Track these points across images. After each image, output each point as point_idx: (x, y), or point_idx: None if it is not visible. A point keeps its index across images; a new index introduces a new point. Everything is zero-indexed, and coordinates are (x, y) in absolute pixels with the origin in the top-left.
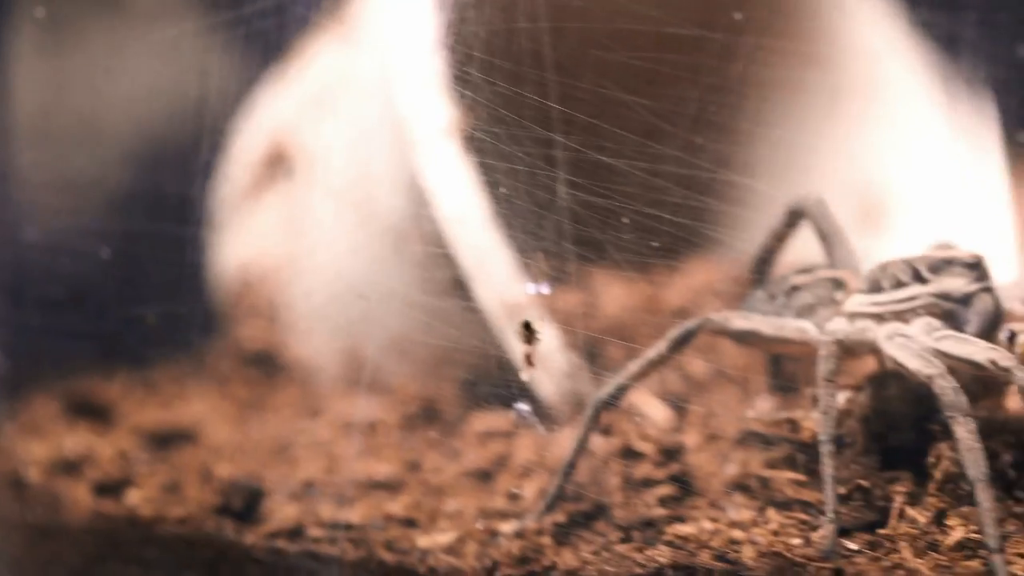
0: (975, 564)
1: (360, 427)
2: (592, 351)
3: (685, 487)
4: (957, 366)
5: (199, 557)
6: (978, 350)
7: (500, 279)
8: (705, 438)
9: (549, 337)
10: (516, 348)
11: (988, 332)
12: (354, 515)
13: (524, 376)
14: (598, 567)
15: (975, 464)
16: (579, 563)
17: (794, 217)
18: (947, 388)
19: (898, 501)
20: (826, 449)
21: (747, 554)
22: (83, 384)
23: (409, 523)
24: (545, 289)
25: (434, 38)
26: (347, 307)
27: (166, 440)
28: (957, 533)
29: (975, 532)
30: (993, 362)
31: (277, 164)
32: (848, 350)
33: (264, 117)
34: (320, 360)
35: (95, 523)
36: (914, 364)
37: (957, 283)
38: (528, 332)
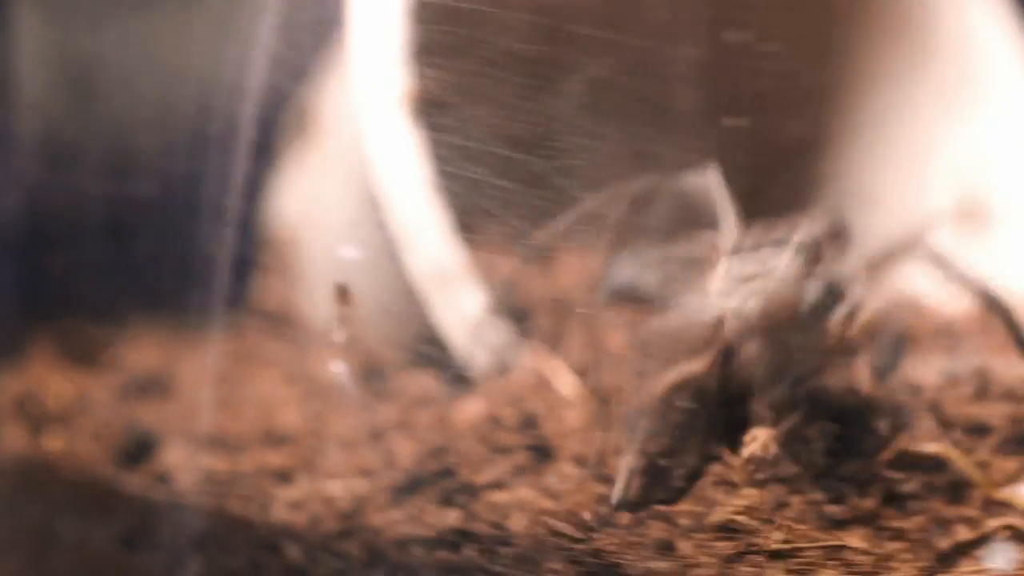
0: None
1: (304, 382)
2: (525, 319)
3: (540, 455)
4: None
5: (86, 497)
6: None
7: (430, 248)
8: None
9: (479, 304)
10: (329, 309)
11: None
12: (229, 465)
13: (336, 338)
14: (400, 528)
15: None
16: (385, 523)
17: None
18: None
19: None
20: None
21: (517, 523)
22: (86, 326)
23: (282, 477)
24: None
25: (404, 9)
26: (338, 269)
27: (142, 389)
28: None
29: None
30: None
31: (306, 127)
32: None
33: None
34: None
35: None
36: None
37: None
38: (342, 294)
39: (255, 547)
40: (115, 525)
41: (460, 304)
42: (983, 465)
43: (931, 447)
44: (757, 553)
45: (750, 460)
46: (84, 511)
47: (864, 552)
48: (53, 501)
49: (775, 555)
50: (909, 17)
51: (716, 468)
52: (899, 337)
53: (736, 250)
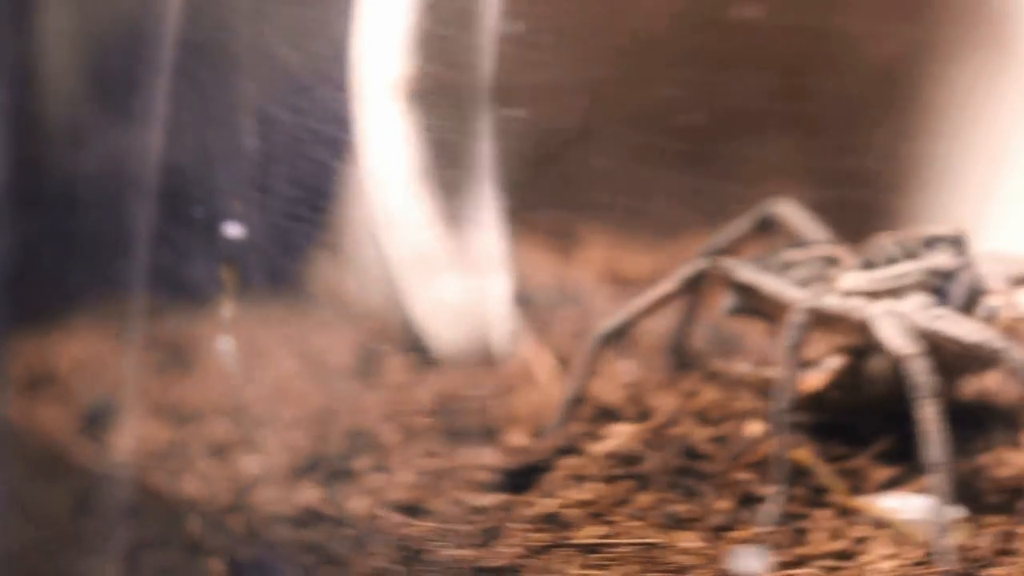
0: None
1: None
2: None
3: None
4: (947, 344)
5: (46, 465)
6: (972, 330)
7: (409, 232)
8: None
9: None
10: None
11: (969, 307)
12: (171, 436)
13: (225, 312)
14: (267, 506)
15: (933, 448)
16: (265, 501)
17: (765, 224)
18: (919, 370)
19: None
20: (778, 420)
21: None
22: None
23: (217, 451)
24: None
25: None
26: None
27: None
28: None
29: None
30: (986, 342)
31: None
32: (828, 323)
33: None
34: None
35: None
36: (897, 342)
37: (943, 258)
38: (229, 269)
39: (166, 518)
40: (68, 492)
41: (439, 290)
42: (855, 473)
43: (798, 454)
44: (568, 547)
45: (610, 455)
46: (44, 477)
47: (695, 553)
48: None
49: (587, 549)
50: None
51: (572, 461)
52: None
53: (866, 263)
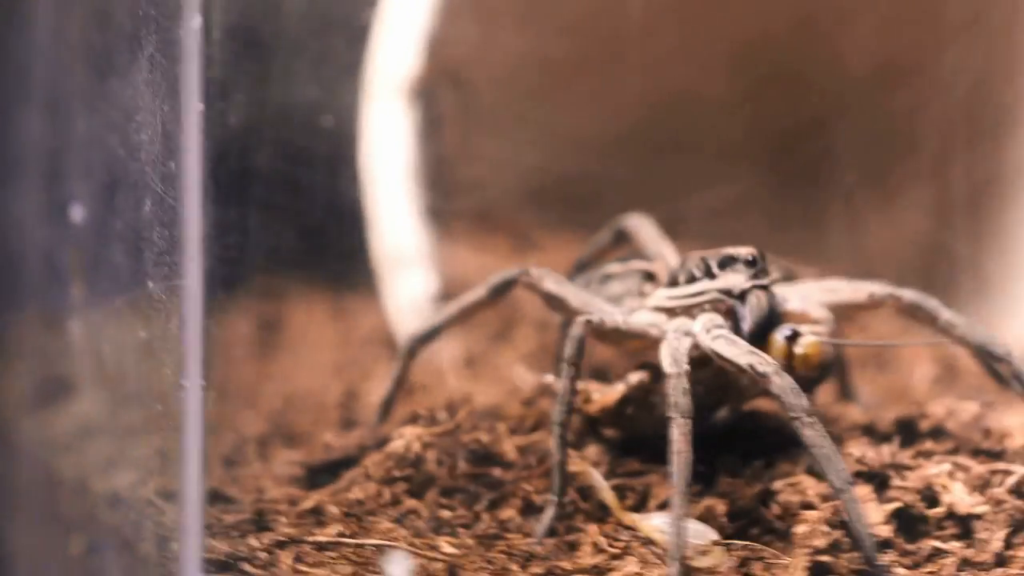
0: None
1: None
2: None
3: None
4: (724, 365)
5: None
6: (740, 352)
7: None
8: None
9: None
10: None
11: (764, 329)
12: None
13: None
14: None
15: (833, 469)
16: None
17: (618, 236)
18: (786, 387)
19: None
20: (556, 432)
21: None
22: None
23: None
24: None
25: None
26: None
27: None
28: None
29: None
30: (752, 366)
31: None
32: (618, 339)
33: None
34: None
35: None
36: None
37: (736, 279)
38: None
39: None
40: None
41: (410, 287)
42: (644, 490)
43: (576, 466)
44: (306, 543)
45: (389, 456)
46: None
47: (445, 559)
48: None
49: (321, 547)
50: None
51: (367, 460)
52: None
53: (672, 279)
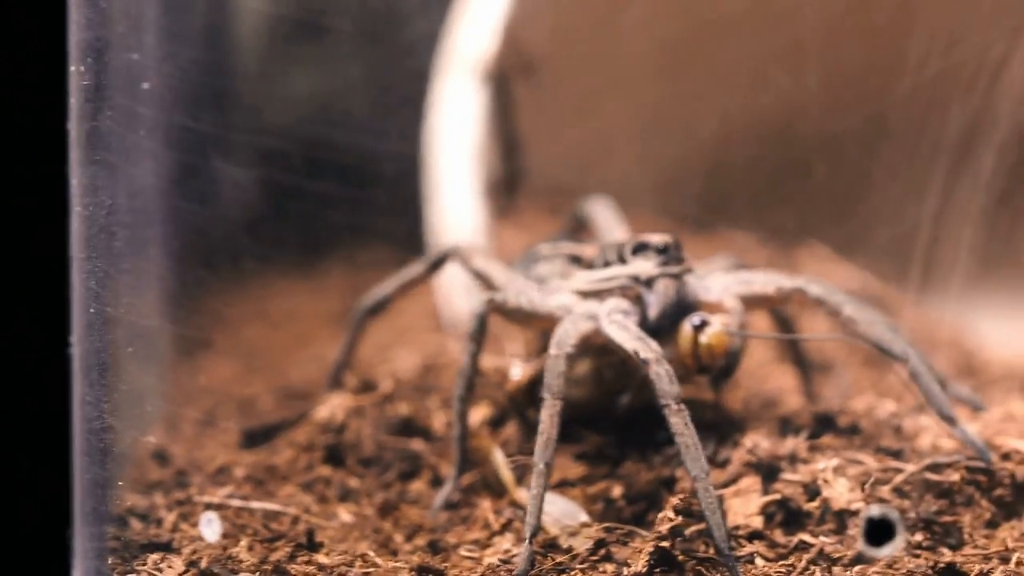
0: None
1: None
2: None
3: None
4: (617, 350)
5: None
6: (629, 338)
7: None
8: None
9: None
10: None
11: (672, 317)
12: None
13: None
14: None
15: (691, 457)
16: None
17: (579, 220)
18: (662, 374)
19: None
20: (456, 407)
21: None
22: None
23: None
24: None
25: None
26: None
27: None
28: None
29: None
30: (636, 352)
31: None
32: (524, 319)
33: None
34: None
35: None
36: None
37: (644, 266)
38: None
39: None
40: None
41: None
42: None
43: (480, 443)
44: (196, 504)
45: (314, 424)
46: None
47: (334, 528)
48: None
49: (208, 507)
50: None
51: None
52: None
53: (590, 263)
